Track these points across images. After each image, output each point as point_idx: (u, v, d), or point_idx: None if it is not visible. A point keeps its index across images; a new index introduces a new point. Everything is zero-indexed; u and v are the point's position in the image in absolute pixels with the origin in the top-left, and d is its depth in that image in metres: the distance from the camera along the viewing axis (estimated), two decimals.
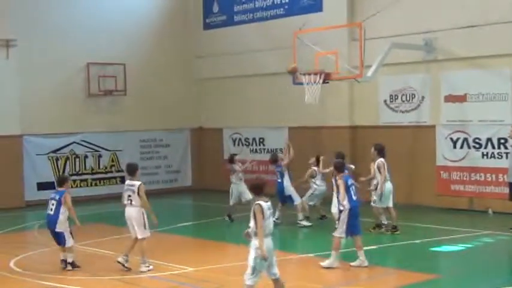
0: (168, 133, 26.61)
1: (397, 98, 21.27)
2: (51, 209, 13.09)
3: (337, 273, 12.84)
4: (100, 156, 24.79)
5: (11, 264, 13.64)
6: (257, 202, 9.87)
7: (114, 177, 24.83)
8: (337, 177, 13.20)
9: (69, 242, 13.10)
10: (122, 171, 24.20)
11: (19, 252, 14.53)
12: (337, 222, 13.38)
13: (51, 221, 13.10)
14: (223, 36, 26.07)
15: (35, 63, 23.05)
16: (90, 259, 14.19)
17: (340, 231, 12.93)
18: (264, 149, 24.90)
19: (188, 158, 27.23)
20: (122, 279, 11.87)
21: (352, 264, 12.91)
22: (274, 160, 18.33)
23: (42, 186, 23.25)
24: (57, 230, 13.04)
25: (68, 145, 23.98)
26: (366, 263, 12.87)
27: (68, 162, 23.97)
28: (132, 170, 13.30)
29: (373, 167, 16.45)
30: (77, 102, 24.32)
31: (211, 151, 26.59)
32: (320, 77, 18.33)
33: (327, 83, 18.95)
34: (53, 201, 13.12)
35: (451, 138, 20.06)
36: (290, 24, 22.32)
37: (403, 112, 21.18)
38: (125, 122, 25.21)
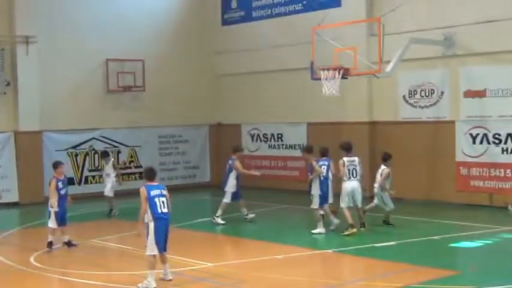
0: (187, 129, 26.65)
1: (416, 94, 21.15)
2: None
3: (354, 268, 12.78)
4: (119, 152, 24.90)
5: (31, 259, 13.77)
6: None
7: (133, 173, 24.89)
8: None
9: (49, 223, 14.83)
10: (141, 167, 24.23)
11: (39, 247, 14.65)
12: (146, 239, 11.72)
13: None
14: (242, 32, 26.05)
15: (54, 59, 23.14)
16: (110, 254, 14.37)
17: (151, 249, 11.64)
18: (282, 145, 24.89)
19: (207, 153, 27.25)
20: (139, 275, 11.90)
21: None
22: (309, 150, 16.70)
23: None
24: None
25: (87, 141, 24.06)
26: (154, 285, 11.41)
27: (87, 158, 24.07)
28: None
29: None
30: (96, 98, 24.41)
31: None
32: (339, 73, 18.28)
33: (346, 78, 18.89)
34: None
35: (471, 134, 19.92)
36: (309, 19, 22.29)
37: (422, 108, 21.06)
38: (144, 118, 25.27)
